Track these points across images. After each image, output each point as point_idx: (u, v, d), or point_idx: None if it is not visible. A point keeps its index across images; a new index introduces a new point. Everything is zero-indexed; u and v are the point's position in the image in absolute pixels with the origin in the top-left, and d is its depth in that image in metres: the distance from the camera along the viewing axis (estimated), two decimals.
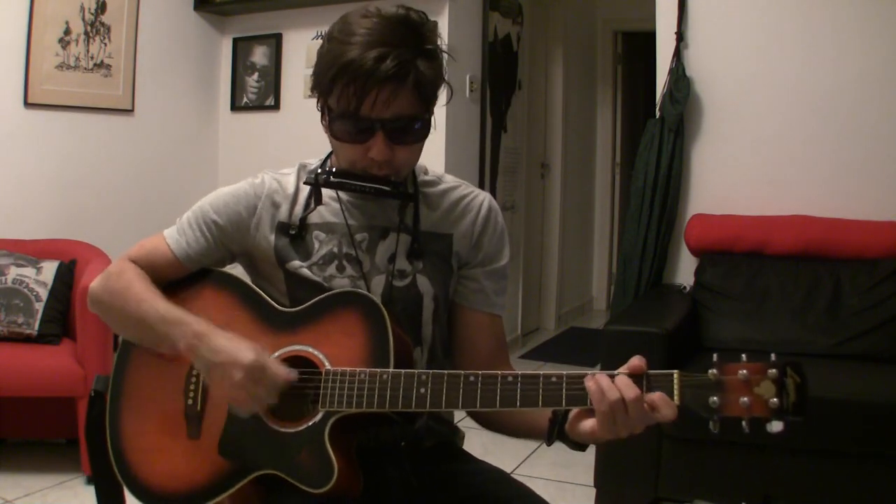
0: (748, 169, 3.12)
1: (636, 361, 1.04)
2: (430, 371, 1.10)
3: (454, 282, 1.32)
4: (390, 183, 1.20)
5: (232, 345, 1.14)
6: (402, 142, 1.18)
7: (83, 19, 3.47)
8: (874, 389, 2.29)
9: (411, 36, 1.15)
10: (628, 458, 2.45)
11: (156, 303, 1.21)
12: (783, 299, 2.77)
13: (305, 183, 1.27)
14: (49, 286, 2.84)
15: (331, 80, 1.14)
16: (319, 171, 1.24)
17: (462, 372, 1.09)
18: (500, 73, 4.56)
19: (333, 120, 1.18)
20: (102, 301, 1.28)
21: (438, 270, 1.29)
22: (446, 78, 1.22)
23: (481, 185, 4.17)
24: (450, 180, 1.34)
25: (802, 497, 2.29)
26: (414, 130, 1.18)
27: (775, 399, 0.97)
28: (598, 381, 1.02)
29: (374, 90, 1.12)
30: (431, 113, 1.21)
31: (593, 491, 2.54)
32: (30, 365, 2.64)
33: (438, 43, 1.19)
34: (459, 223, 1.31)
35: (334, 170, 1.22)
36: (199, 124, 4.15)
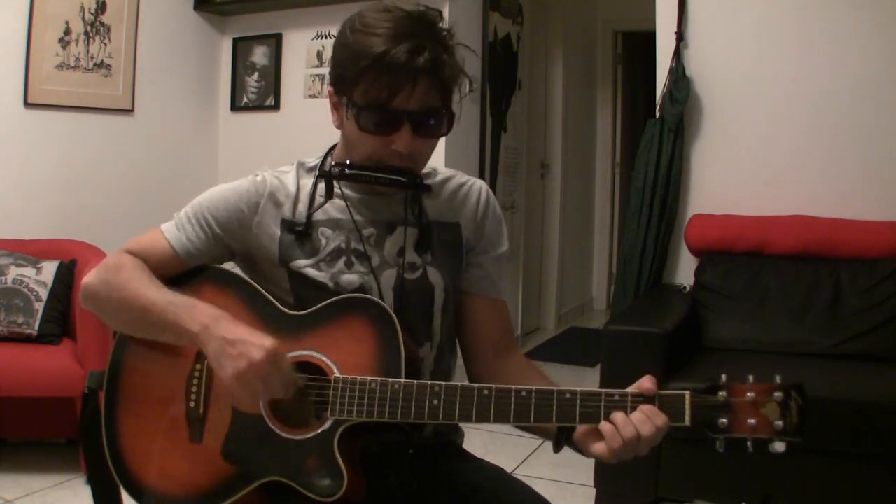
0: (748, 169, 3.12)
1: (647, 384, 1.05)
2: (444, 383, 1.09)
3: (462, 270, 1.32)
4: (406, 174, 1.20)
5: (249, 330, 1.12)
6: (426, 134, 1.19)
7: (83, 19, 3.47)
8: (874, 389, 2.28)
9: (434, 31, 1.17)
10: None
11: (162, 289, 1.19)
12: (783, 299, 2.77)
13: (319, 176, 1.26)
14: (49, 286, 2.84)
15: (360, 72, 1.14)
16: (333, 165, 1.23)
17: (476, 385, 1.09)
18: (500, 73, 4.56)
19: (360, 111, 1.17)
20: (99, 294, 1.24)
21: (448, 260, 1.29)
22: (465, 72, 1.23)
23: None
24: (444, 171, 1.35)
25: (802, 497, 2.29)
26: (438, 123, 1.20)
27: (779, 421, 0.99)
28: (614, 419, 1.04)
29: (409, 83, 1.13)
30: (451, 107, 1.21)
31: (593, 491, 2.53)
32: (30, 365, 2.64)
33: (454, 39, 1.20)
34: (462, 210, 1.32)
35: (348, 162, 1.21)
36: (199, 124, 4.15)
